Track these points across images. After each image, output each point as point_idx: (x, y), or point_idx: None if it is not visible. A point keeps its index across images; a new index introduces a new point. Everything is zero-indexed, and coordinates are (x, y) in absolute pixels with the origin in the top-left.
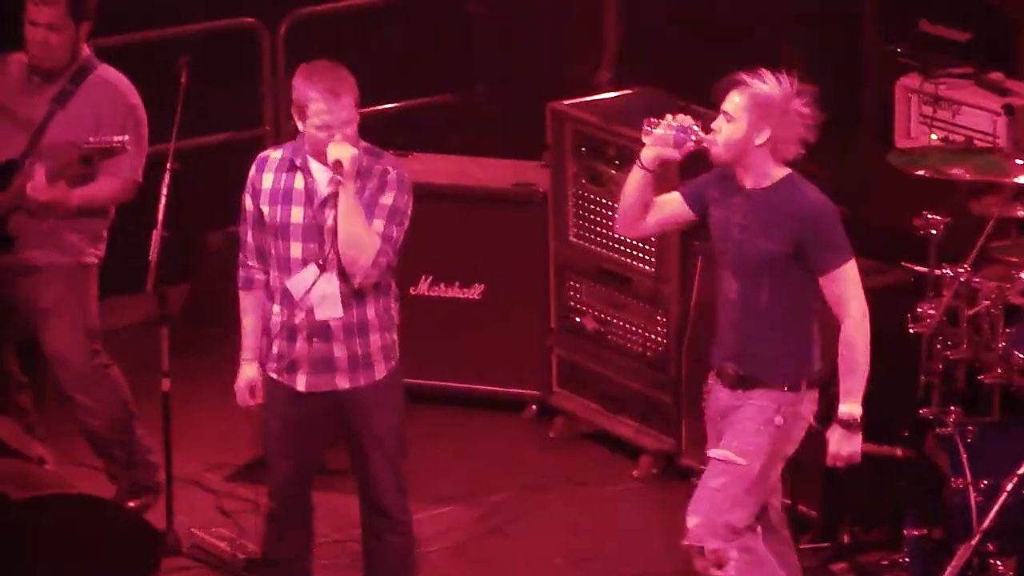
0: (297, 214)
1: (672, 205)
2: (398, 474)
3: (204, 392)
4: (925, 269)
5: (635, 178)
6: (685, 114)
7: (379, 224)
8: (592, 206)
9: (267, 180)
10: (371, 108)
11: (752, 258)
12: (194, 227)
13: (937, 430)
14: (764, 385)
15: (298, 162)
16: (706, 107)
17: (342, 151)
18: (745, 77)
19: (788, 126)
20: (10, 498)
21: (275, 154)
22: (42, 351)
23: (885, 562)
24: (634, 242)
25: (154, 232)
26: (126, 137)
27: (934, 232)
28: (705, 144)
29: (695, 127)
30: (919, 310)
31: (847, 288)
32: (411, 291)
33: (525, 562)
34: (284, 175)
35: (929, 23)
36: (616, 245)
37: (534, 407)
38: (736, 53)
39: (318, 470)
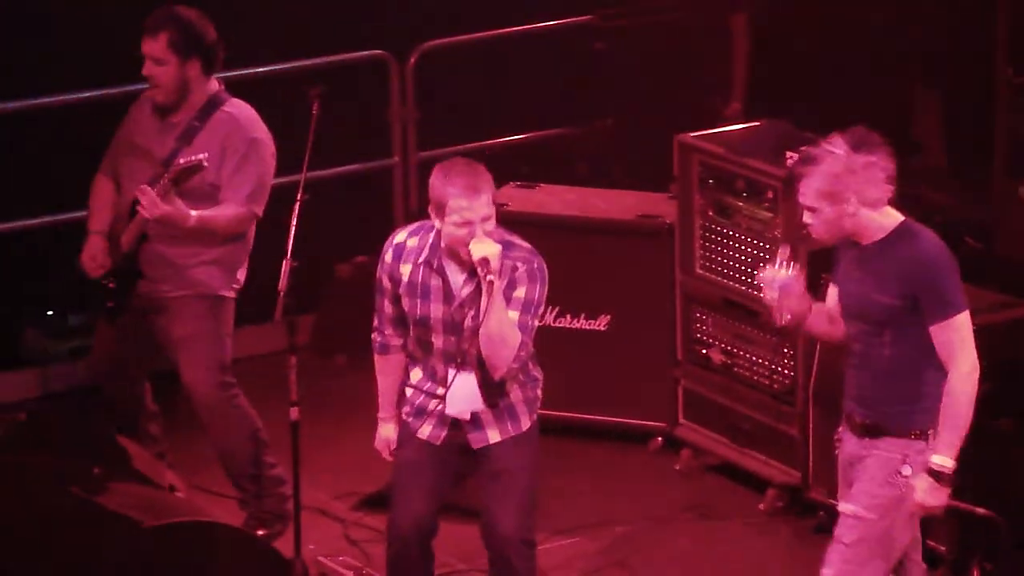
0: (437, 310)
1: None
2: (529, 503)
3: (332, 421)
4: None
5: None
6: (808, 149)
7: (515, 316)
8: (719, 238)
9: (405, 271)
10: (499, 139)
11: (871, 311)
12: (323, 257)
13: None
14: (890, 433)
15: (434, 264)
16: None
17: (487, 248)
18: (800, 167)
19: (866, 182)
20: (142, 525)
21: (411, 242)
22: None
23: None
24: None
25: (284, 261)
26: (205, 155)
27: None
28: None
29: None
30: None
31: (957, 340)
32: (556, 322)
33: None
34: (422, 270)
35: None
36: (743, 277)
37: (660, 439)
38: (866, 88)
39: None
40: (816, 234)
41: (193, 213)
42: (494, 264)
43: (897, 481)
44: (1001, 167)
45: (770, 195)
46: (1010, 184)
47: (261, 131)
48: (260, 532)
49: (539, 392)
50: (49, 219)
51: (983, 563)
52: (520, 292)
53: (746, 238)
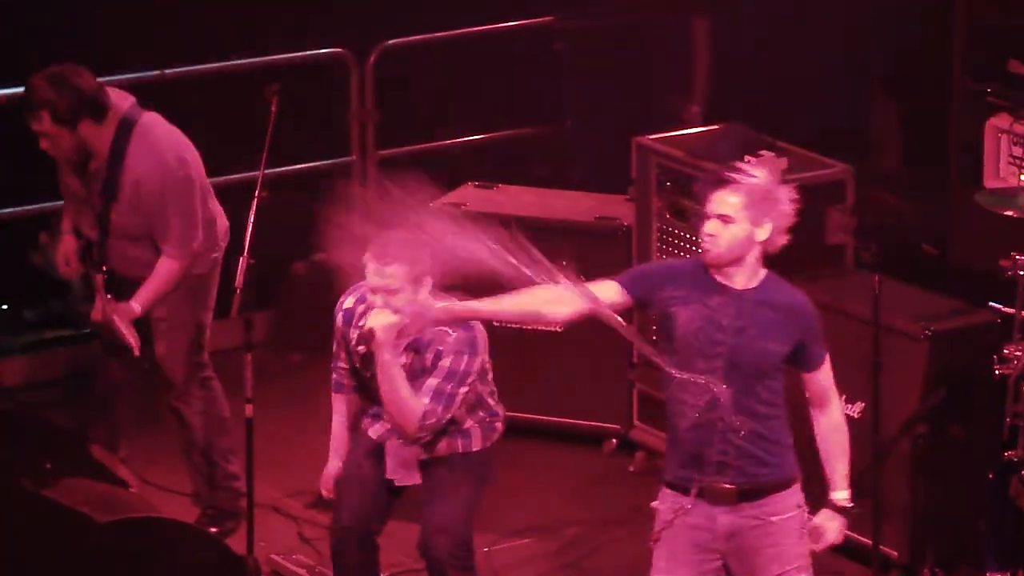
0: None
1: (607, 293)
2: (466, 517)
3: (286, 419)
4: (1012, 311)
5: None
6: (765, 152)
7: (432, 382)
8: (676, 240)
9: (353, 336)
10: (457, 139)
11: (751, 361)
12: (280, 255)
13: (1022, 473)
14: (779, 488)
15: (361, 324)
16: (790, 143)
17: (376, 319)
18: (731, 174)
19: (782, 216)
20: (95, 520)
21: (358, 308)
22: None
23: None
24: None
25: (240, 259)
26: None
27: (1022, 273)
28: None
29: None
30: (1005, 352)
31: (831, 377)
32: (493, 323)
33: None
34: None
35: (1020, 63)
36: None
37: (614, 441)
38: (824, 90)
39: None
40: (716, 248)
41: (135, 306)
42: (379, 336)
43: (803, 534)
44: (957, 173)
45: None
46: (966, 190)
47: (170, 154)
48: (213, 529)
49: (499, 426)
50: (8, 212)
51: (935, 568)
52: (446, 362)
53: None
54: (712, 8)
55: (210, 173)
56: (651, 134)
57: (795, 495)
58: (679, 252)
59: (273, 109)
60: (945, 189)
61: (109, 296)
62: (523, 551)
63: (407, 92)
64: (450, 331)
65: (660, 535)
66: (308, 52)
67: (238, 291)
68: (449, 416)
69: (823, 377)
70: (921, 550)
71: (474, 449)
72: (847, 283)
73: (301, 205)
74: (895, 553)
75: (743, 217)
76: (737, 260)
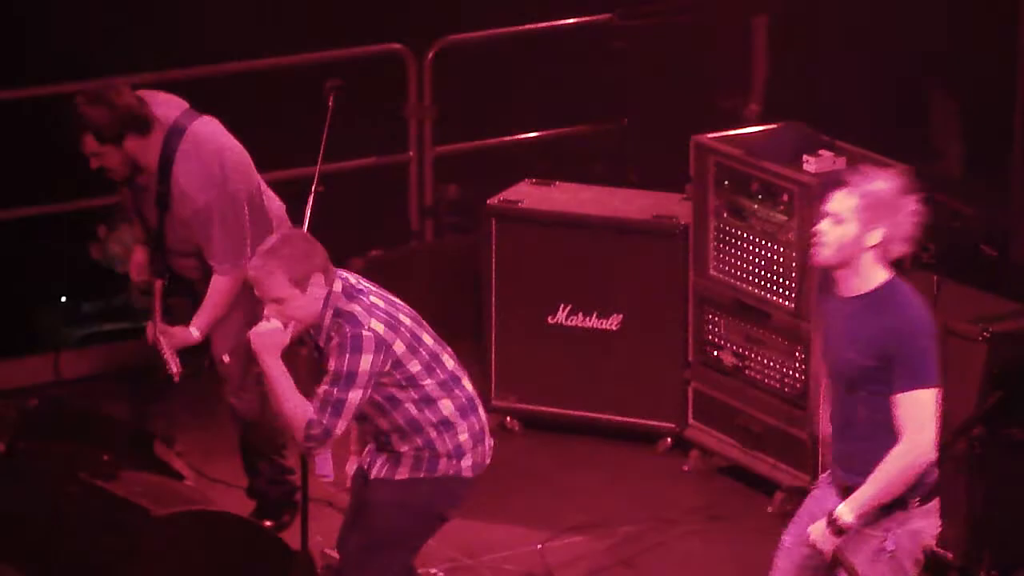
0: None
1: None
2: (370, 546)
3: None
4: None
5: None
6: (824, 152)
7: (320, 389)
8: (733, 240)
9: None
10: (515, 136)
11: (840, 370)
12: (337, 250)
13: None
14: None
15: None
16: (849, 143)
17: (259, 330)
18: (854, 176)
19: (900, 225)
20: (151, 513)
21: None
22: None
23: None
24: (774, 277)
25: None
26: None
27: None
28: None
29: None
30: None
31: (916, 416)
32: (548, 320)
33: None
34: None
35: None
36: (756, 280)
37: (669, 440)
38: (885, 92)
39: None
40: (823, 248)
41: (194, 331)
42: (254, 343)
43: (882, 558)
44: (1019, 174)
45: (785, 198)
46: None
47: (215, 166)
48: (267, 523)
49: (442, 463)
50: (69, 205)
51: (991, 570)
52: (331, 363)
53: (760, 241)
54: (771, 6)
55: (267, 168)
56: (709, 132)
57: (887, 519)
58: (736, 252)
59: (331, 105)
60: (1006, 190)
61: (159, 320)
62: (576, 548)
63: (466, 88)
64: (333, 334)
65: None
66: (367, 47)
67: None
68: (342, 425)
69: (899, 405)
70: (978, 552)
71: (397, 478)
72: None
73: (358, 201)
74: (951, 555)
75: (855, 219)
76: (846, 263)
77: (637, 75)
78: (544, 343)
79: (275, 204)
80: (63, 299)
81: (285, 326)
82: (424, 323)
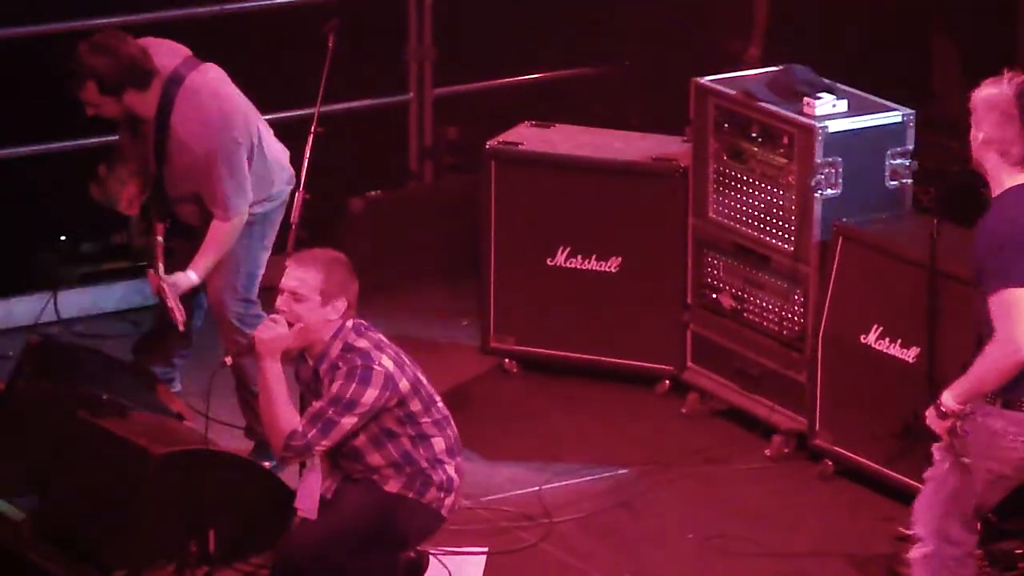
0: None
1: None
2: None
3: None
4: None
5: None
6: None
7: (315, 405)
8: (732, 183)
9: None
10: (514, 79)
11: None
12: (336, 191)
13: None
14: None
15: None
16: (850, 86)
17: (263, 331)
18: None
19: (1003, 126)
20: (150, 451)
21: None
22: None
23: (1020, 551)
24: (773, 220)
25: (296, 194)
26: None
27: None
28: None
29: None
30: None
31: (1003, 314)
32: (548, 262)
33: (652, 536)
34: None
35: None
36: (755, 223)
37: (667, 382)
38: (887, 36)
39: None
40: (974, 150)
41: (192, 275)
42: (259, 347)
43: (958, 467)
44: None
45: (785, 141)
46: None
47: (214, 115)
48: (266, 464)
49: (432, 494)
50: (68, 144)
51: (988, 515)
52: (334, 387)
53: (759, 184)
54: None
55: (268, 110)
56: (710, 75)
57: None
58: (735, 194)
59: (331, 45)
60: None
61: (163, 270)
62: (575, 490)
63: (465, 30)
64: (341, 363)
65: None
66: None
67: (293, 226)
68: (325, 445)
69: (990, 306)
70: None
71: (386, 488)
72: (905, 227)
73: (358, 142)
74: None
75: (973, 121)
76: (979, 162)
77: (637, 17)
78: (543, 285)
79: (276, 148)
80: (63, 238)
81: (290, 325)
82: (419, 365)
